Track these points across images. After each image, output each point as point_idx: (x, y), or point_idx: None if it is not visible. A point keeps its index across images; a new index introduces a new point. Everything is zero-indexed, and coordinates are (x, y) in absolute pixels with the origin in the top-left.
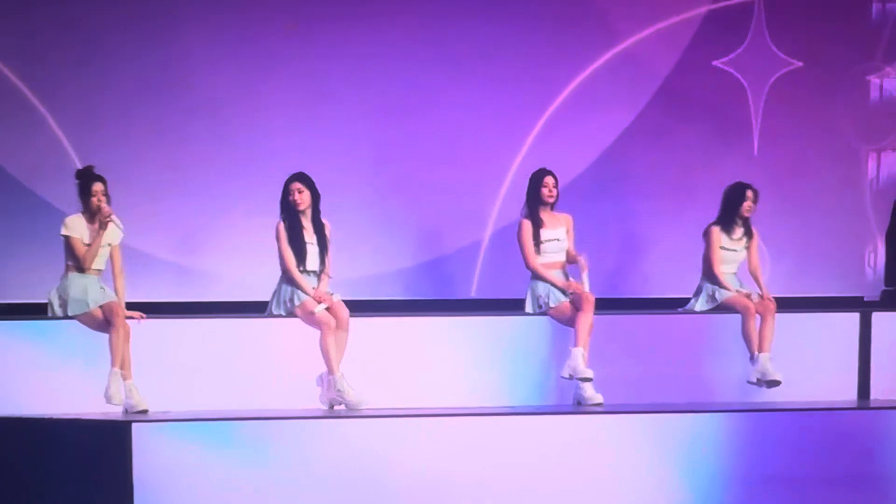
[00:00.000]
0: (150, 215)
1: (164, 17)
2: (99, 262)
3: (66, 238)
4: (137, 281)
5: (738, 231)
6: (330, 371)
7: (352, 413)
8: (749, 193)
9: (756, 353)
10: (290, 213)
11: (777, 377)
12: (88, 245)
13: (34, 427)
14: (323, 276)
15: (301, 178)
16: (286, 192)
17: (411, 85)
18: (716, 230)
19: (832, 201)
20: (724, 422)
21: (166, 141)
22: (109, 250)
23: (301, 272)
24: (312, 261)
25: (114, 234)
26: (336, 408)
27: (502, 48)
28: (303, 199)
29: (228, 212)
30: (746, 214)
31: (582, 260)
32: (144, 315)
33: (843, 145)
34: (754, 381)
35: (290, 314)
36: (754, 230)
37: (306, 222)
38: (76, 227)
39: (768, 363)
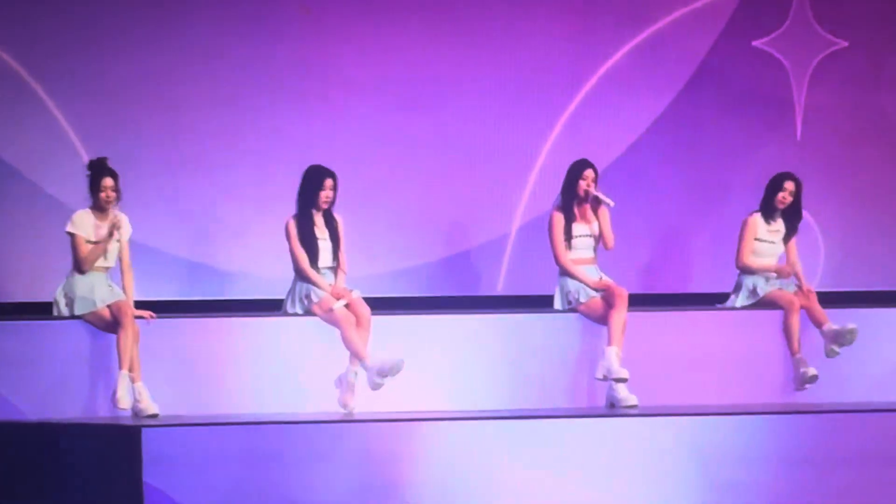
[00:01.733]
0: (162, 210)
1: (177, 4)
2: (108, 259)
3: (71, 236)
4: (147, 278)
5: (777, 223)
6: (360, 357)
7: (373, 417)
8: (787, 184)
9: (797, 352)
10: (306, 208)
11: (852, 326)
12: (94, 243)
13: (41, 432)
14: (339, 272)
15: (333, 175)
16: (315, 187)
17: (434, 75)
18: (752, 218)
19: (883, 189)
20: (767, 424)
21: (178, 133)
22: (118, 247)
23: (314, 270)
24: (325, 257)
25: (122, 229)
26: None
27: (528, 33)
28: (332, 196)
29: (242, 207)
30: (780, 206)
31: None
32: (154, 314)
33: (892, 129)
34: (831, 332)
35: (308, 312)
36: (797, 229)
37: (318, 218)
38: (82, 223)
39: (834, 325)
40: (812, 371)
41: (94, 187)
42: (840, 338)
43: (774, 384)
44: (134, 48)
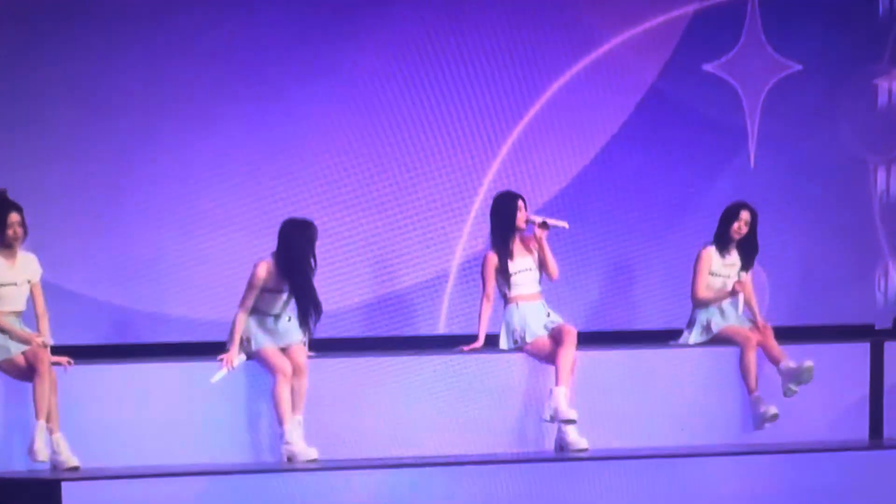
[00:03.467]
0: (77, 248)
1: (91, 19)
2: (18, 303)
3: None
4: (63, 323)
5: (732, 256)
6: (281, 422)
7: (306, 466)
8: (743, 214)
9: (754, 390)
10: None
11: (808, 364)
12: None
13: None
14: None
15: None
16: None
17: (373, 109)
18: (707, 252)
19: (837, 219)
20: (723, 466)
21: (93, 162)
22: (29, 288)
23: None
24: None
25: (32, 270)
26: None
27: (471, 58)
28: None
29: (169, 242)
30: (735, 236)
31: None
32: (71, 360)
33: (849, 156)
34: (791, 380)
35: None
36: (753, 262)
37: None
38: None
39: (792, 363)
40: (773, 410)
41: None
42: (797, 376)
43: (731, 423)
44: (48, 74)
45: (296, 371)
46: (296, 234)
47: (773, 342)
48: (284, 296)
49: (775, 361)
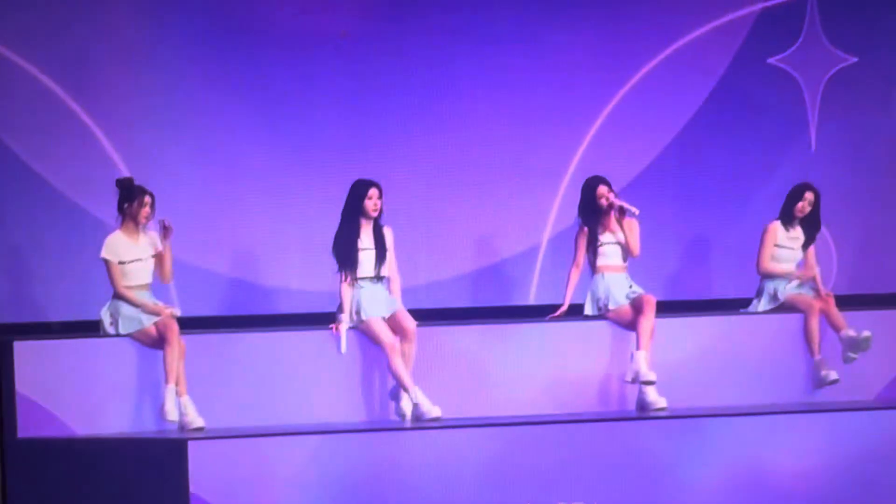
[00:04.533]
0: (203, 228)
1: (220, 25)
2: (145, 277)
3: (105, 262)
4: (187, 295)
5: (796, 230)
6: (406, 389)
7: (416, 425)
8: (807, 194)
9: (817, 354)
10: (353, 217)
11: (867, 333)
12: (126, 263)
13: (89, 447)
14: (393, 286)
15: (377, 185)
16: (358, 197)
17: (461, 91)
18: (773, 226)
19: (894, 197)
20: (789, 422)
21: (217, 150)
22: (152, 263)
23: (357, 279)
24: (367, 267)
25: (154, 244)
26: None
27: (553, 50)
28: (378, 205)
29: (282, 221)
30: (799, 214)
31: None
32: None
33: None
34: (850, 349)
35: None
36: (815, 238)
37: (367, 228)
38: (116, 248)
39: (853, 332)
40: (833, 375)
41: (129, 206)
42: (856, 345)
43: (796, 384)
44: (176, 70)
45: (404, 336)
46: (349, 193)
47: (835, 310)
48: (372, 255)
49: (837, 329)
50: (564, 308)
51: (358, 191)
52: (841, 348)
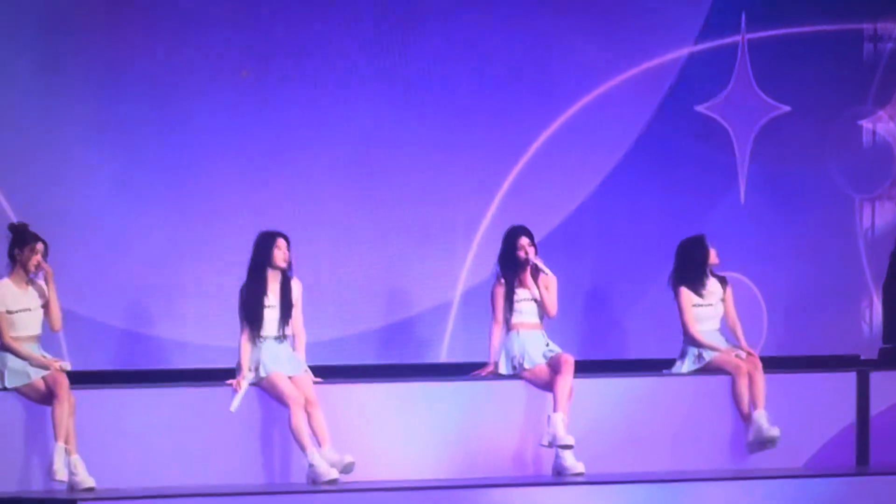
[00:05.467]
0: (93, 276)
1: (116, 45)
2: (33, 327)
3: None
4: (80, 348)
5: (709, 284)
6: (303, 450)
7: (319, 488)
8: (711, 250)
9: (750, 411)
10: (260, 270)
11: (773, 433)
12: (13, 312)
13: None
14: (298, 343)
15: (284, 235)
16: (266, 247)
17: (378, 140)
18: (683, 290)
19: (825, 253)
20: (715, 491)
21: (110, 191)
22: (42, 312)
23: (259, 336)
24: (270, 326)
25: (42, 293)
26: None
27: (472, 98)
28: (287, 256)
29: (180, 272)
30: (715, 263)
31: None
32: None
33: (836, 194)
34: (752, 439)
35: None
36: (727, 280)
37: (273, 282)
38: (3, 296)
39: (764, 420)
40: (776, 431)
41: (20, 254)
42: (761, 434)
43: (723, 449)
44: (65, 106)
45: (307, 403)
46: (255, 245)
47: (760, 381)
48: (276, 313)
49: (753, 405)
50: (491, 368)
51: (265, 241)
52: (746, 429)
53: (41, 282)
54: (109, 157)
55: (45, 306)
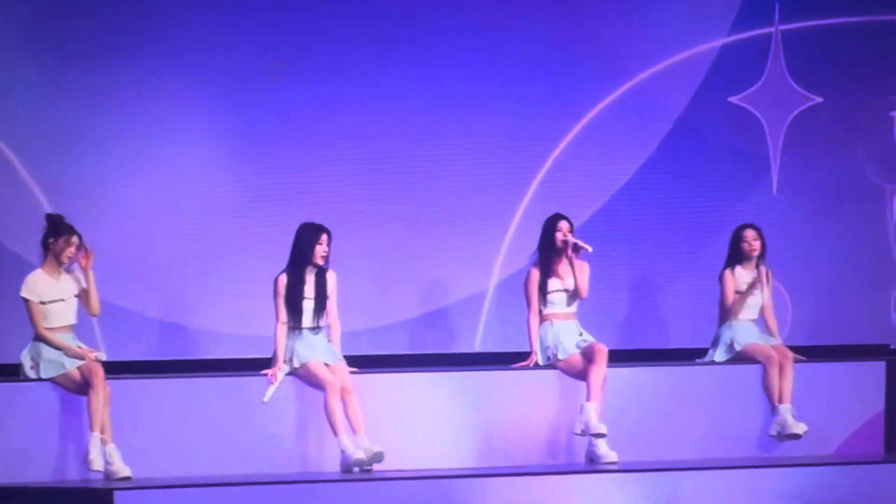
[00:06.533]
0: (130, 267)
1: (145, 41)
2: (68, 318)
3: (25, 301)
4: (116, 339)
5: (750, 274)
6: (336, 433)
7: (353, 476)
8: (747, 233)
9: (776, 404)
10: (300, 263)
11: (798, 430)
12: (47, 303)
13: (8, 497)
14: (333, 334)
15: (328, 230)
16: (309, 243)
17: (411, 131)
18: (728, 273)
19: (855, 243)
20: (746, 479)
21: (147, 186)
22: (76, 302)
23: (298, 329)
24: (306, 317)
25: (76, 284)
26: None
27: (505, 88)
28: (327, 252)
29: (216, 264)
30: (752, 253)
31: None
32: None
33: (867, 184)
34: (774, 434)
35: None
36: (769, 272)
37: (310, 275)
38: (36, 287)
39: (789, 415)
40: (801, 427)
41: (55, 244)
42: (785, 429)
43: (754, 438)
44: (99, 102)
45: (344, 391)
46: (298, 237)
47: (789, 373)
48: (312, 304)
49: (780, 399)
50: (534, 358)
51: (309, 235)
52: (773, 419)
53: (76, 271)
54: (146, 147)
55: (80, 295)
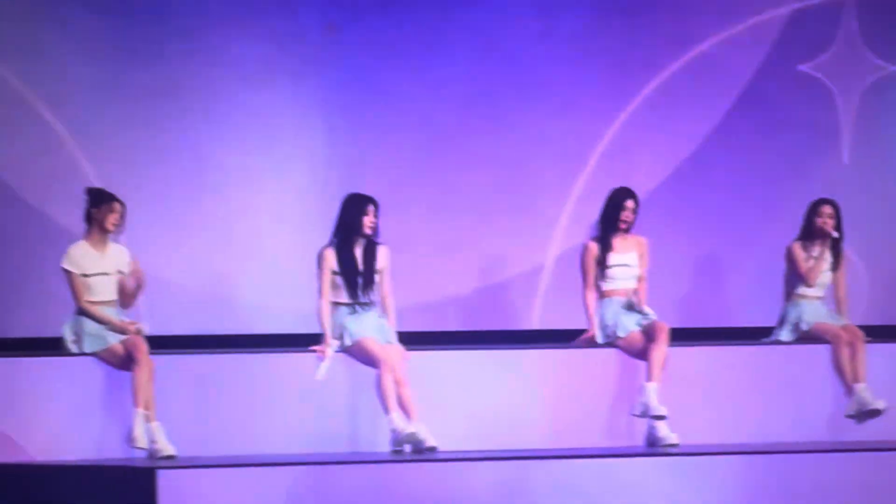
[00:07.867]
0: (175, 241)
1: (193, 25)
2: (110, 292)
3: (67, 273)
4: (162, 313)
5: (818, 250)
6: (386, 411)
7: (401, 458)
8: (823, 208)
9: (851, 384)
10: (347, 235)
11: (878, 405)
12: (90, 276)
13: (49, 474)
14: (388, 312)
15: (374, 200)
16: (355, 213)
17: (466, 102)
18: (796, 246)
19: None
20: (814, 463)
21: (192, 159)
22: (118, 279)
23: (346, 305)
24: (356, 292)
25: (122, 261)
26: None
27: (566, 57)
28: (375, 223)
29: (262, 236)
30: (822, 228)
31: None
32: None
33: None
34: (853, 413)
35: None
36: (844, 253)
37: (358, 247)
38: (79, 259)
39: (867, 392)
40: (881, 403)
41: (97, 212)
42: (864, 407)
43: (822, 421)
44: (148, 78)
45: (397, 383)
46: (343, 208)
47: (862, 352)
48: (360, 279)
49: (854, 379)
50: (592, 332)
51: (355, 206)
52: (849, 402)
53: (123, 247)
54: (187, 124)
55: (121, 281)
